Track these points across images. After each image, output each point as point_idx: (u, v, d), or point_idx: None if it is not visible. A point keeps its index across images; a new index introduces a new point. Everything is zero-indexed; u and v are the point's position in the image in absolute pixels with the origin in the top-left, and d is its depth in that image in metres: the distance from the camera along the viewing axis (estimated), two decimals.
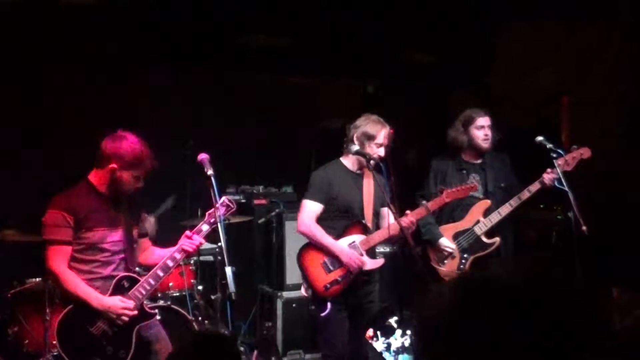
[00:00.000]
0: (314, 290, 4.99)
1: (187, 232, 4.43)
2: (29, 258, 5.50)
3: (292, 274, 6.34)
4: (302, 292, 5.14)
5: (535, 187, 5.42)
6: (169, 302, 5.68)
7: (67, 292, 4.22)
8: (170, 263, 4.38)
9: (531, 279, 1.35)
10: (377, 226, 5.23)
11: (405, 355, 5.89)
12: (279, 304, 6.51)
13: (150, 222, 5.94)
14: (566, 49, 7.09)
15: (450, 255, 5.51)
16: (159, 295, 5.72)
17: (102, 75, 6.68)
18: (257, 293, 6.91)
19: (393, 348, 5.98)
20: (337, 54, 7.44)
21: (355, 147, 5.01)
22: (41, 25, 6.42)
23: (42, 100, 6.52)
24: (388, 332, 6.06)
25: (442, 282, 5.26)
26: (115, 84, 6.70)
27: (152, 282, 4.34)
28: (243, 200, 6.98)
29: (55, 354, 4.92)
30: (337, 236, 5.05)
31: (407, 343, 5.88)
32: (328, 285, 4.94)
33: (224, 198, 4.39)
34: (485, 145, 5.63)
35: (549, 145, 5.33)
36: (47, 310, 5.16)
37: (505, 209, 5.46)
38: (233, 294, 3.98)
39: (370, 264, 5.10)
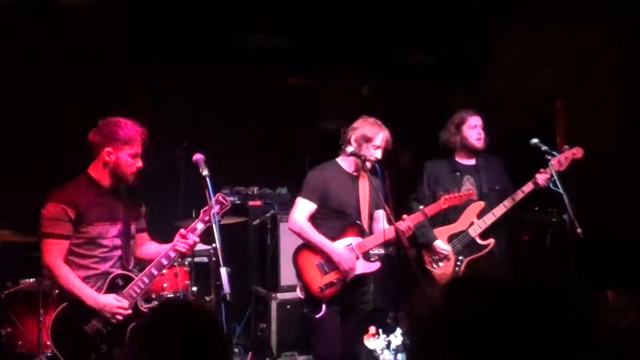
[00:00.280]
0: (309, 291, 4.98)
1: (182, 231, 4.42)
2: (23, 259, 5.50)
3: (287, 276, 6.34)
4: (298, 292, 5.14)
5: (528, 187, 5.41)
6: None
7: (61, 288, 4.22)
8: (164, 261, 4.38)
9: (525, 279, 1.35)
10: (371, 229, 5.23)
11: (405, 354, 5.89)
12: (274, 306, 6.50)
13: None
14: (565, 50, 7.08)
15: (445, 257, 5.51)
16: (153, 296, 5.71)
17: (102, 75, 6.69)
18: (252, 294, 6.90)
19: (392, 346, 5.99)
20: (336, 55, 7.44)
21: (351, 149, 5.02)
22: (41, 25, 6.43)
23: (42, 100, 6.52)
24: (389, 330, 6.06)
25: (435, 283, 5.27)
26: (115, 84, 6.71)
27: (146, 280, 4.35)
28: (238, 202, 6.97)
29: (49, 354, 4.91)
30: (334, 237, 5.05)
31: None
32: (323, 287, 4.94)
33: (217, 195, 4.38)
34: (478, 144, 5.63)
35: (544, 148, 5.33)
36: (41, 311, 5.16)
37: (499, 210, 5.45)
38: (227, 295, 3.96)
39: (366, 267, 5.11)
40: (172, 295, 5.82)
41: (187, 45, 6.86)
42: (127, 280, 4.34)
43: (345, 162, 5.18)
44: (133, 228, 4.50)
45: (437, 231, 5.54)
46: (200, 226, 4.41)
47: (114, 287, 4.29)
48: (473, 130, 5.64)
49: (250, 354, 6.49)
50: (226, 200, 4.48)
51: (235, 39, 7.05)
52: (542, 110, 7.26)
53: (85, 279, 4.23)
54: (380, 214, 5.28)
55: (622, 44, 6.72)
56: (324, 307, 4.95)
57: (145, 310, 4.44)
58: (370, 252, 5.30)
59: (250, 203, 6.97)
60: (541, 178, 5.34)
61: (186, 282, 5.94)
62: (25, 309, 5.44)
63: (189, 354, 2.09)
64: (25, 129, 6.40)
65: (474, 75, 7.87)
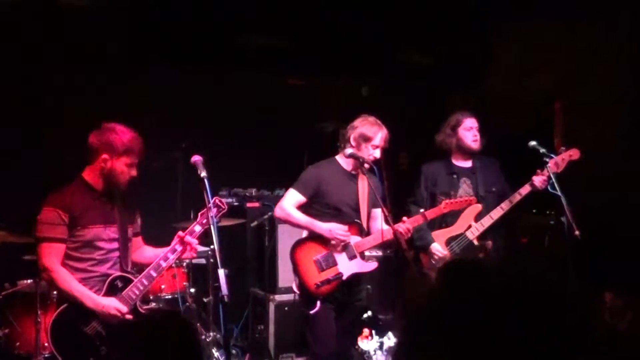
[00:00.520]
0: (305, 287, 4.99)
1: (180, 233, 4.43)
2: (20, 259, 5.49)
3: (285, 277, 6.33)
4: (294, 287, 5.16)
5: (525, 189, 5.41)
6: (161, 305, 5.67)
7: (61, 291, 4.23)
8: (163, 264, 4.39)
9: (519, 270, 1.35)
10: (369, 228, 5.24)
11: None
12: (271, 307, 6.49)
13: None
14: (565, 51, 7.09)
15: (443, 260, 5.51)
16: (151, 297, 5.71)
17: (102, 75, 6.70)
18: (250, 296, 6.89)
19: (385, 347, 6.00)
20: (336, 55, 7.44)
21: (350, 150, 5.03)
22: (41, 25, 6.42)
23: (42, 100, 6.52)
24: (382, 331, 6.07)
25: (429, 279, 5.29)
26: (115, 84, 6.71)
27: (145, 282, 4.35)
28: (236, 203, 6.98)
29: (47, 355, 4.91)
30: None
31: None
32: (319, 284, 4.95)
33: (214, 198, 4.39)
34: (474, 145, 5.64)
35: (542, 150, 5.34)
36: (39, 312, 5.15)
37: (497, 213, 5.45)
38: (225, 297, 3.97)
39: (362, 267, 5.11)
40: (170, 297, 5.83)
41: (186, 46, 6.86)
42: (126, 282, 4.34)
43: (344, 160, 5.19)
44: (130, 231, 4.51)
45: (435, 234, 5.54)
46: (197, 229, 4.43)
47: (113, 288, 4.30)
48: (469, 132, 5.65)
49: (247, 355, 6.48)
50: (223, 204, 4.49)
51: (234, 40, 7.04)
52: (541, 111, 7.27)
53: (84, 282, 4.23)
54: (378, 213, 5.28)
55: (621, 45, 6.72)
56: (318, 303, 4.96)
57: (144, 311, 4.45)
58: (368, 253, 5.31)
59: (248, 205, 6.97)
60: (538, 180, 5.34)
61: (184, 283, 5.94)
62: (23, 310, 5.44)
63: None
64: (25, 129, 6.40)
65: (474, 76, 7.88)
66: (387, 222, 4.89)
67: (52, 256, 4.19)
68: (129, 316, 4.25)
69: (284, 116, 7.60)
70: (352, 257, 5.04)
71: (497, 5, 7.51)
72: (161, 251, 4.46)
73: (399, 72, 7.78)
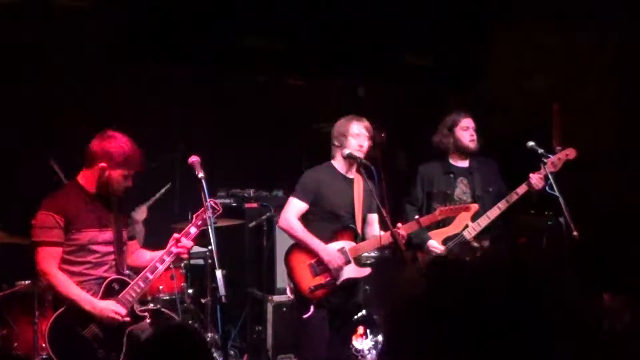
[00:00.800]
0: (299, 291, 5.00)
1: (175, 235, 4.43)
2: (18, 260, 5.48)
3: (283, 278, 6.30)
4: (288, 292, 5.17)
5: (522, 189, 5.41)
6: (158, 306, 5.67)
7: (59, 294, 4.23)
8: (159, 266, 4.39)
9: (502, 264, 1.34)
10: (364, 233, 5.24)
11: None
12: (270, 308, 6.49)
13: (142, 211, 5.96)
14: (564, 52, 7.10)
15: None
16: (149, 298, 5.71)
17: (102, 75, 6.68)
18: (248, 297, 6.89)
19: (380, 346, 5.98)
20: (335, 56, 7.44)
21: (347, 151, 5.04)
22: (41, 25, 6.41)
23: (41, 101, 6.50)
24: (376, 330, 6.06)
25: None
26: (115, 84, 6.69)
27: (141, 284, 4.36)
28: (234, 204, 6.97)
29: (44, 357, 4.90)
30: (326, 240, 5.06)
31: None
32: (313, 288, 4.96)
33: (209, 200, 4.40)
34: (472, 145, 5.64)
35: (540, 151, 5.34)
36: (37, 313, 5.14)
37: (493, 212, 5.45)
38: (223, 298, 3.97)
39: (356, 272, 5.11)
40: (167, 297, 5.82)
41: (186, 46, 6.85)
42: (123, 284, 4.35)
43: (339, 164, 5.19)
44: (125, 234, 4.51)
45: (432, 234, 5.54)
46: (193, 230, 4.44)
47: (110, 291, 4.30)
48: (466, 131, 5.65)
49: (245, 356, 6.48)
50: (218, 205, 4.49)
51: (233, 40, 7.03)
52: (540, 112, 7.26)
53: (80, 285, 4.23)
54: (373, 219, 5.30)
55: (619, 47, 6.72)
56: (312, 307, 4.97)
57: (142, 313, 4.44)
58: (366, 254, 5.31)
59: (246, 205, 6.96)
60: (535, 178, 5.34)
61: (182, 284, 5.94)
62: (20, 311, 5.44)
63: None
64: (25, 128, 6.39)
65: (472, 77, 7.87)
66: (385, 224, 4.89)
67: (49, 260, 4.20)
68: (126, 318, 4.26)
69: (282, 117, 7.60)
70: (346, 262, 5.04)
71: (497, 6, 7.51)
72: (158, 254, 4.47)
73: (398, 72, 7.77)
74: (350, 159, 5.07)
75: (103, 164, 4.27)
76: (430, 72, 7.92)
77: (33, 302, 5.17)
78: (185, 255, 4.53)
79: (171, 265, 5.68)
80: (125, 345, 4.26)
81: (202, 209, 4.33)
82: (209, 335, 5.93)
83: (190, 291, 5.98)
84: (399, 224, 4.96)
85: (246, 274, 7.04)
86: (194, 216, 4.45)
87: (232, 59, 7.16)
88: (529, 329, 1.25)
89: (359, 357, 5.91)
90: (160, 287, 5.79)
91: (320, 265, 5.01)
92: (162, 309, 5.57)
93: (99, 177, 4.30)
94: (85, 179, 4.37)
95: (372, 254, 6.32)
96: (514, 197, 5.42)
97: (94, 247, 4.31)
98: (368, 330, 6.01)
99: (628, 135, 6.43)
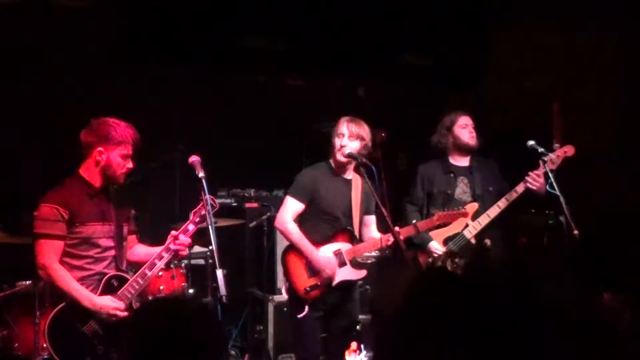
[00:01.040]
0: (294, 291, 5.02)
1: (173, 232, 4.43)
2: (18, 261, 5.48)
3: (284, 278, 6.33)
4: (283, 291, 5.18)
5: (521, 187, 5.41)
6: None
7: (58, 289, 4.20)
8: (157, 262, 4.39)
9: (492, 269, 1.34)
10: (361, 234, 5.24)
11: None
12: (270, 308, 6.50)
13: None
14: (564, 51, 7.10)
15: (440, 258, 5.51)
16: (150, 298, 5.70)
17: (102, 75, 6.68)
18: (248, 297, 6.89)
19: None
20: (335, 56, 7.44)
21: (348, 150, 5.03)
22: (41, 25, 6.41)
23: (41, 101, 6.50)
24: (370, 345, 6.05)
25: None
26: (115, 84, 6.70)
27: (140, 281, 4.36)
28: (234, 204, 6.98)
29: (45, 357, 4.90)
30: (323, 241, 5.07)
31: None
32: (308, 289, 4.97)
33: (205, 197, 4.40)
34: (472, 142, 5.63)
35: (541, 150, 5.34)
36: (37, 314, 5.14)
37: (493, 211, 5.44)
38: (224, 297, 3.97)
39: (352, 274, 5.11)
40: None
41: (186, 46, 6.85)
42: (122, 281, 4.35)
43: (336, 164, 5.18)
44: (125, 229, 4.51)
45: (433, 234, 5.54)
46: (191, 227, 4.43)
47: (109, 288, 4.30)
48: (464, 129, 5.65)
49: (247, 356, 6.48)
50: (215, 203, 4.48)
51: (233, 40, 7.04)
52: (539, 113, 7.27)
53: (81, 281, 4.23)
54: (371, 220, 5.30)
55: (619, 47, 6.73)
56: (306, 307, 4.98)
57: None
58: (368, 254, 5.30)
59: (247, 205, 6.97)
60: (532, 176, 5.34)
61: (182, 284, 5.94)
62: (21, 311, 5.42)
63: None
64: (25, 128, 6.39)
65: (473, 76, 7.88)
66: (386, 223, 4.88)
67: (50, 253, 4.18)
68: (125, 314, 4.26)
69: (282, 116, 7.60)
70: (342, 264, 5.04)
71: (497, 6, 7.51)
72: (155, 250, 4.47)
73: (398, 72, 7.78)
74: (351, 158, 5.06)
75: (100, 148, 4.25)
76: (430, 72, 7.92)
77: (34, 302, 5.16)
78: (184, 253, 4.53)
79: (172, 265, 5.71)
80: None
81: (199, 205, 4.34)
82: None
83: (191, 291, 5.98)
84: (397, 228, 4.93)
85: (247, 273, 7.05)
86: (192, 213, 4.44)
87: (232, 59, 7.16)
88: (527, 329, 1.25)
89: None
90: (161, 287, 5.79)
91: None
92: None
93: (99, 162, 4.28)
94: (87, 171, 4.35)
95: (373, 254, 6.32)
96: (513, 195, 5.42)
97: (97, 241, 4.31)
98: (362, 345, 6.00)
99: (628, 135, 6.44)
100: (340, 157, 5.05)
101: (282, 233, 5.14)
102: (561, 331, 1.28)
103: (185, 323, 2.16)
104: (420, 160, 5.86)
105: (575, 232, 4.98)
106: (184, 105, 7.22)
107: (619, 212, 6.11)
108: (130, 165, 4.36)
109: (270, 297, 6.52)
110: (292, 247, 5.10)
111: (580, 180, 5.72)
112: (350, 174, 5.21)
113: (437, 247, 5.48)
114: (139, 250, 4.67)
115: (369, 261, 5.35)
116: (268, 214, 6.72)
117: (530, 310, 1.27)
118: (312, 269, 5.00)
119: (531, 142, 5.38)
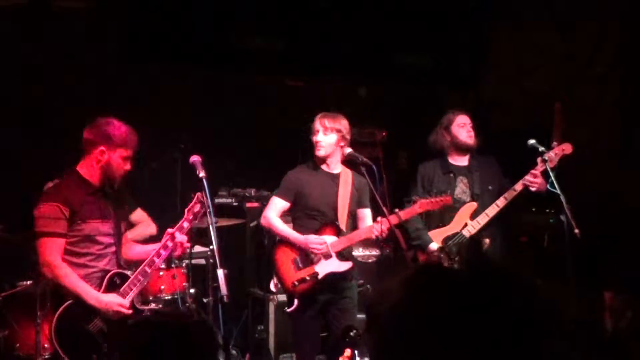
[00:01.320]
0: (283, 286, 5.10)
1: (169, 230, 4.44)
2: (19, 260, 5.48)
3: None
4: (271, 286, 5.22)
5: (520, 185, 5.40)
6: (160, 305, 5.67)
7: (64, 287, 4.21)
8: (156, 259, 4.42)
9: (484, 270, 1.34)
10: (354, 228, 5.26)
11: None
12: (271, 307, 6.49)
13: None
14: (563, 51, 7.11)
15: (440, 259, 5.50)
16: (151, 298, 5.70)
17: (102, 75, 6.68)
18: (249, 296, 6.89)
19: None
20: (335, 56, 7.44)
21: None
22: (41, 25, 6.41)
23: (41, 101, 6.51)
24: (364, 352, 6.03)
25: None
26: (115, 84, 6.70)
27: (141, 278, 4.39)
28: (235, 204, 6.97)
29: (47, 357, 4.90)
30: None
31: None
32: (296, 283, 5.00)
33: (197, 194, 4.42)
34: (470, 141, 5.63)
35: (541, 149, 5.33)
36: (39, 314, 5.13)
37: (492, 210, 5.44)
38: (225, 297, 3.98)
39: (338, 266, 5.09)
40: (169, 297, 5.82)
41: (186, 46, 6.86)
42: (124, 278, 4.37)
43: (318, 161, 5.21)
44: (123, 227, 4.54)
45: (432, 234, 5.54)
46: (186, 225, 4.45)
47: (112, 285, 4.32)
48: (462, 128, 5.65)
49: (247, 355, 6.48)
50: (203, 198, 4.49)
51: (233, 40, 7.04)
52: (539, 113, 7.27)
53: (84, 278, 4.24)
54: (365, 213, 5.31)
55: (619, 46, 6.74)
56: (296, 301, 5.02)
57: (143, 308, 4.46)
58: (369, 252, 5.31)
59: (248, 205, 6.97)
60: (530, 176, 5.33)
61: (183, 284, 5.93)
62: (22, 311, 5.41)
63: None
64: (25, 129, 6.40)
65: (473, 76, 7.88)
66: (388, 220, 4.89)
67: (53, 251, 4.19)
68: (129, 312, 4.27)
69: (283, 117, 7.61)
70: (327, 256, 5.05)
71: (497, 6, 7.52)
72: (150, 247, 4.51)
73: (398, 72, 7.78)
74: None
75: (102, 147, 4.27)
76: (430, 72, 7.91)
77: (35, 302, 5.14)
78: (181, 250, 4.53)
79: (173, 265, 5.71)
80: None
81: (193, 202, 4.38)
82: None
83: (192, 291, 5.96)
84: (379, 218, 4.96)
85: (247, 273, 7.05)
86: (186, 210, 4.46)
87: (232, 59, 7.17)
88: (526, 329, 1.25)
89: None
90: (162, 287, 5.79)
91: (303, 260, 5.05)
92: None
93: (99, 161, 4.30)
94: (86, 168, 4.36)
95: (374, 253, 6.33)
96: (512, 193, 5.41)
97: (98, 238, 4.33)
98: (355, 352, 5.97)
99: (628, 135, 6.45)
100: (318, 153, 5.13)
101: (268, 228, 5.26)
102: (560, 331, 1.28)
103: (182, 344, 2.21)
104: (420, 160, 5.86)
105: (576, 231, 4.98)
106: (184, 105, 7.22)
107: (619, 212, 6.12)
108: (128, 167, 4.39)
109: (271, 297, 6.51)
110: (279, 243, 5.18)
111: (580, 180, 5.72)
112: (337, 168, 5.22)
113: (436, 248, 5.49)
114: (134, 248, 4.69)
115: (368, 261, 5.35)
116: None
117: (530, 310, 1.27)
118: (303, 262, 5.02)
119: (532, 141, 5.37)
